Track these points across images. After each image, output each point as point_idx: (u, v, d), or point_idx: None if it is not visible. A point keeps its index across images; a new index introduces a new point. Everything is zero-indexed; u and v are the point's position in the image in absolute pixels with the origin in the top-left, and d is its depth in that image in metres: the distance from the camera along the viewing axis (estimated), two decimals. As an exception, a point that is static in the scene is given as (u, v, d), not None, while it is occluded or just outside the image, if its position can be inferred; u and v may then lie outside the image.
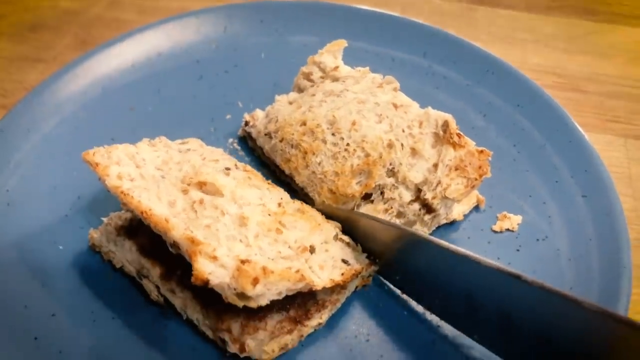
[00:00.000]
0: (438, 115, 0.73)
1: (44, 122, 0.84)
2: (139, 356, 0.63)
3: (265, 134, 0.79)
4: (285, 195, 0.70)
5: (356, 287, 0.68)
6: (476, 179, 0.70)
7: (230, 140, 0.86)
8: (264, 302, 0.55)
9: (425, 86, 0.93)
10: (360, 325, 0.66)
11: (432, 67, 0.96)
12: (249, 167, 0.73)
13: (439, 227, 0.75)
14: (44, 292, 0.67)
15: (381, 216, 0.71)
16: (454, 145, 0.70)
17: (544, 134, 0.84)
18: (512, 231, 0.74)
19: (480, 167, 0.70)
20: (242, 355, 0.61)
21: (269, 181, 0.72)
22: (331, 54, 0.84)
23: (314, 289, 0.59)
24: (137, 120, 0.87)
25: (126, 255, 0.68)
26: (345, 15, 1.01)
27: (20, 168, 0.78)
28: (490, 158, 0.71)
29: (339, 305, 0.66)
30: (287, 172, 0.76)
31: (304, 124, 0.76)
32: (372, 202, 0.72)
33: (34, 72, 1.01)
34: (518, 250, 0.72)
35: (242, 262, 0.55)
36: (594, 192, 0.76)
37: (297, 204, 0.69)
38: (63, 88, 0.87)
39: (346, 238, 0.68)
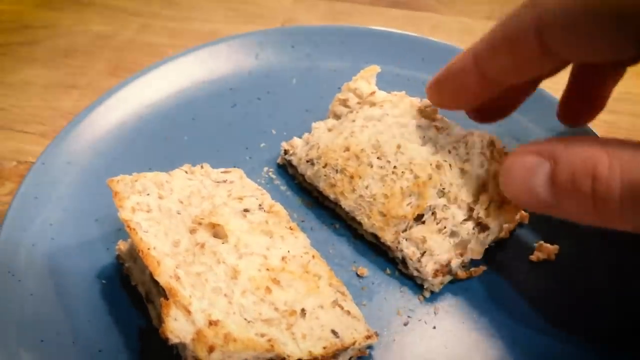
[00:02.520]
0: (482, 136, 0.75)
1: (82, 154, 0.85)
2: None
3: (307, 161, 0.80)
4: (300, 245, 0.69)
5: (350, 358, 0.65)
6: None
7: (266, 169, 0.86)
8: None
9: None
10: (402, 361, 0.66)
11: (464, 91, 0.96)
12: (276, 207, 0.73)
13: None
14: (90, 328, 0.68)
15: (434, 236, 0.71)
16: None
17: (579, 160, 0.83)
18: (550, 261, 0.74)
19: None
20: None
21: (292, 225, 0.71)
22: (365, 80, 0.84)
23: None
24: (173, 149, 0.88)
25: (140, 275, 0.69)
26: (375, 39, 1.01)
27: (62, 201, 0.79)
28: None
29: None
30: (332, 197, 0.77)
31: (347, 149, 0.77)
32: (423, 222, 0.73)
33: (69, 99, 1.03)
34: (557, 281, 0.72)
35: (210, 323, 0.55)
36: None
37: (307, 258, 0.67)
38: (99, 119, 0.89)
39: (347, 305, 0.65)
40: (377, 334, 0.65)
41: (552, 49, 0.55)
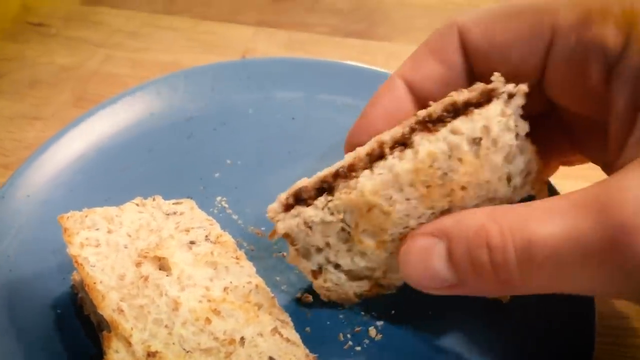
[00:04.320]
0: None
1: (42, 187, 0.88)
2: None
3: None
4: (245, 274, 0.71)
5: None
6: None
7: (219, 198, 0.90)
8: None
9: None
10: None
11: (414, 120, 0.99)
12: (224, 237, 0.76)
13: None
14: (44, 357, 0.71)
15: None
16: None
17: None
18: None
19: None
20: None
21: (239, 254, 0.74)
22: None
23: None
24: (130, 180, 0.91)
25: (92, 305, 0.71)
26: (329, 70, 1.05)
27: (21, 234, 0.82)
28: None
29: None
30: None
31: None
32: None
33: (32, 130, 1.06)
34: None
35: (149, 354, 0.59)
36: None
37: (249, 287, 0.70)
38: (59, 152, 0.92)
39: (286, 332, 0.68)
40: (316, 359, 0.69)
41: (470, 51, 0.62)
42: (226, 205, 0.89)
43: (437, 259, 0.54)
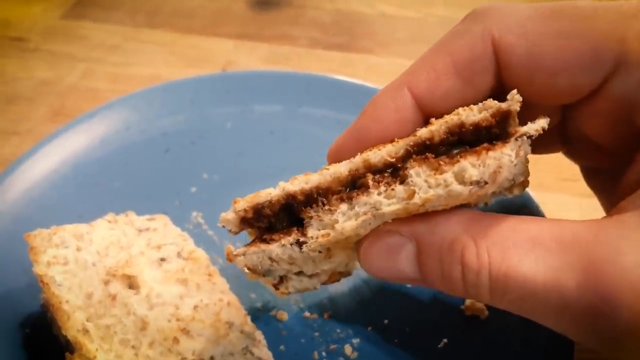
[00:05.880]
0: None
1: (15, 203, 0.87)
2: None
3: None
4: (217, 291, 0.71)
5: None
6: None
7: (195, 213, 0.88)
8: None
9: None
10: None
11: (392, 133, 0.99)
12: (197, 253, 0.75)
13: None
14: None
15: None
16: None
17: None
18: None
19: None
20: None
21: (212, 270, 0.73)
22: None
23: None
24: (105, 195, 0.90)
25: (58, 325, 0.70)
26: (308, 83, 1.04)
27: (-8, 251, 0.81)
28: None
29: None
30: None
31: None
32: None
33: (8, 146, 1.04)
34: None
35: None
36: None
37: (220, 305, 0.69)
38: (33, 168, 0.90)
39: (258, 351, 0.67)
40: None
41: (507, 70, 0.52)
42: (202, 221, 0.88)
43: (404, 259, 0.51)
